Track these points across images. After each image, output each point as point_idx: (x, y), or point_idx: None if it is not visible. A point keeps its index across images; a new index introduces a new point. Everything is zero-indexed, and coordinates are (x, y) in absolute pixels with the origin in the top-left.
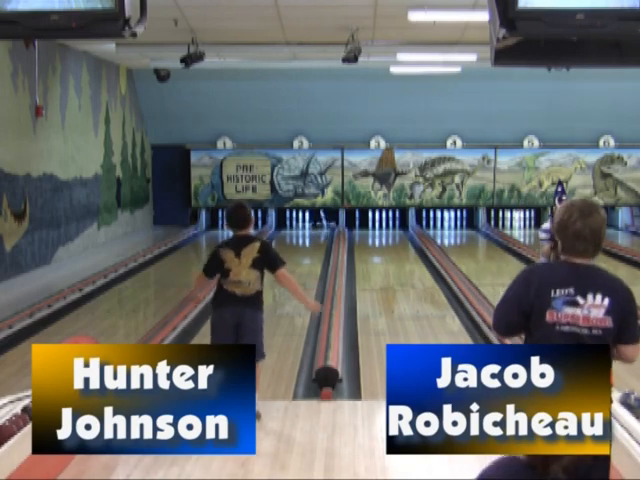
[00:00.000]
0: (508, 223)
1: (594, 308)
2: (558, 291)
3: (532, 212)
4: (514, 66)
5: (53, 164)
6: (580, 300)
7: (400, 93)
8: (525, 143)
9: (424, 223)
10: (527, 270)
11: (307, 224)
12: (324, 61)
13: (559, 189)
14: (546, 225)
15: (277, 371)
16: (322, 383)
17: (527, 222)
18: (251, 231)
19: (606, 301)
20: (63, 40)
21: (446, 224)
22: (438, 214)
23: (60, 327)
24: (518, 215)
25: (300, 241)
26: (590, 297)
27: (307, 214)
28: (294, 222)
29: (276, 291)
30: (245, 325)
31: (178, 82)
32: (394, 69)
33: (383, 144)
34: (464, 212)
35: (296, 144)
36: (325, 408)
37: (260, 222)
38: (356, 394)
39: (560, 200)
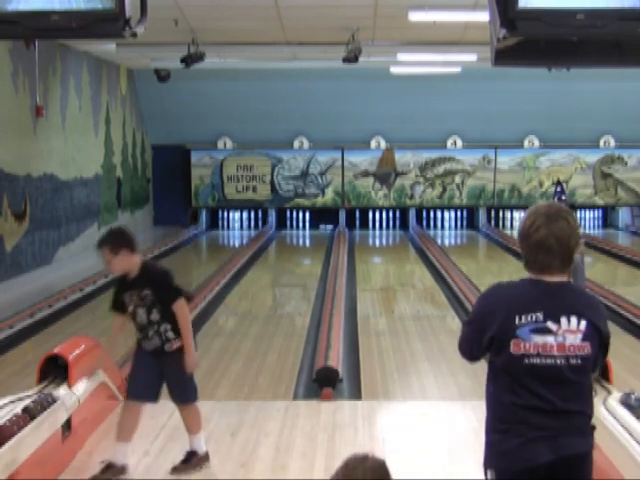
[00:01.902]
0: (508, 223)
1: (569, 334)
2: (524, 317)
3: None
4: (514, 66)
5: (53, 164)
6: (552, 326)
7: (400, 93)
8: (525, 143)
9: (424, 223)
10: (490, 291)
11: (307, 224)
12: (324, 61)
13: (558, 189)
14: None
15: (277, 371)
16: (322, 383)
17: None
18: None
19: (583, 324)
20: (63, 40)
21: (446, 224)
22: (438, 214)
23: (61, 327)
24: (518, 215)
25: (300, 241)
26: (564, 321)
27: (307, 214)
28: (294, 222)
29: (276, 291)
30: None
31: (178, 82)
32: (394, 69)
33: (383, 144)
34: (464, 212)
35: (296, 144)
36: (325, 408)
37: (260, 222)
38: (356, 394)
39: (560, 200)
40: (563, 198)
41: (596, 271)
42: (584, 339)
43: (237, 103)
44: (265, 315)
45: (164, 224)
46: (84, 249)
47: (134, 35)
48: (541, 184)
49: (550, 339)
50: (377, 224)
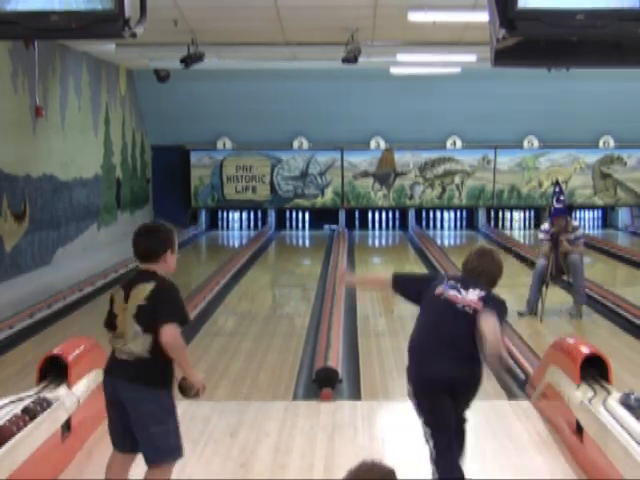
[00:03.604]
0: (508, 223)
1: (471, 295)
2: (448, 282)
3: (532, 212)
4: (514, 66)
5: (53, 165)
6: (462, 290)
7: (400, 93)
8: (525, 143)
9: (424, 223)
10: (439, 274)
11: (307, 225)
12: (324, 61)
13: (557, 189)
14: (545, 226)
15: (277, 371)
16: (322, 383)
17: (527, 222)
18: (161, 267)
19: (482, 294)
20: (63, 41)
21: (446, 224)
22: (438, 214)
23: (60, 328)
24: (518, 215)
25: (300, 242)
26: (470, 290)
27: (307, 215)
28: (294, 223)
29: (276, 291)
30: (129, 409)
31: (178, 82)
32: (394, 69)
33: (383, 144)
34: (464, 212)
35: (296, 144)
36: (325, 408)
37: (260, 223)
38: (356, 394)
39: (558, 200)
40: (562, 198)
41: (595, 271)
42: (479, 300)
43: (236, 103)
44: (265, 315)
45: None
46: (83, 250)
47: (133, 35)
48: (540, 184)
49: (458, 295)
50: (377, 224)
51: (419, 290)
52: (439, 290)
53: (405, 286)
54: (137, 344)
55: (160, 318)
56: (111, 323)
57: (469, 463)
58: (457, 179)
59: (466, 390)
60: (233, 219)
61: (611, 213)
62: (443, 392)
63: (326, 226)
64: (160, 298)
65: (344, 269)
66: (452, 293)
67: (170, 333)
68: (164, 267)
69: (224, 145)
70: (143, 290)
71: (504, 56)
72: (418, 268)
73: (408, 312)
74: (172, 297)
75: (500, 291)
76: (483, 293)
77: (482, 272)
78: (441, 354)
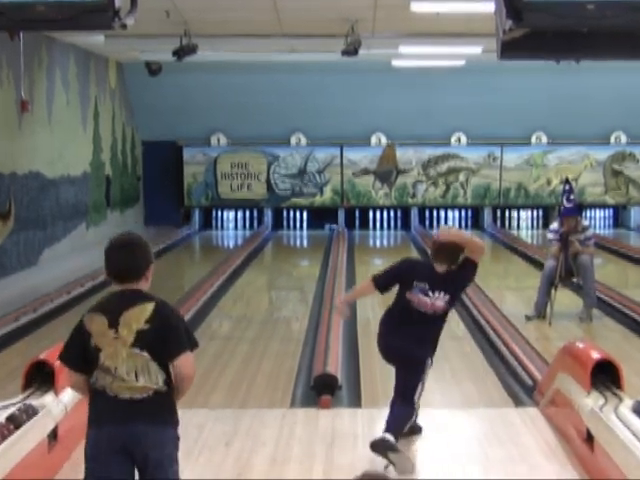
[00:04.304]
0: (515, 223)
1: (438, 300)
2: (416, 283)
3: (540, 212)
4: (521, 59)
5: (39, 161)
6: (430, 293)
7: (402, 87)
8: (533, 140)
9: (427, 223)
10: (408, 260)
11: (305, 224)
12: (323, 54)
13: (566, 187)
14: (554, 225)
15: (274, 377)
16: (321, 390)
17: (535, 222)
18: (143, 286)
19: (447, 297)
20: (50, 31)
21: (450, 224)
22: (442, 214)
23: (47, 332)
24: (525, 215)
25: (298, 242)
26: (437, 293)
27: (305, 214)
28: (291, 222)
29: (272, 294)
30: (146, 456)
31: (170, 76)
32: (396, 62)
33: (384, 141)
34: (469, 212)
35: (293, 141)
36: (324, 416)
37: (256, 222)
38: (356, 401)
39: (568, 199)
40: (572, 197)
41: (606, 272)
42: (445, 304)
43: (231, 98)
44: (261, 319)
45: (155, 224)
46: (71, 250)
47: (124, 27)
48: (549, 182)
49: (427, 300)
50: (377, 224)
51: (399, 280)
52: (410, 295)
53: (388, 283)
54: (152, 376)
55: (176, 347)
56: (84, 358)
57: (472, 472)
58: (462, 177)
59: (411, 362)
60: (228, 218)
61: (623, 212)
62: (395, 360)
63: (327, 226)
64: (167, 321)
65: (340, 301)
66: (422, 299)
67: (191, 363)
68: (146, 285)
69: (218, 141)
70: (142, 311)
71: (511, 48)
72: None
73: None
74: (180, 319)
75: (507, 294)
76: (448, 297)
77: (445, 251)
78: (401, 337)
